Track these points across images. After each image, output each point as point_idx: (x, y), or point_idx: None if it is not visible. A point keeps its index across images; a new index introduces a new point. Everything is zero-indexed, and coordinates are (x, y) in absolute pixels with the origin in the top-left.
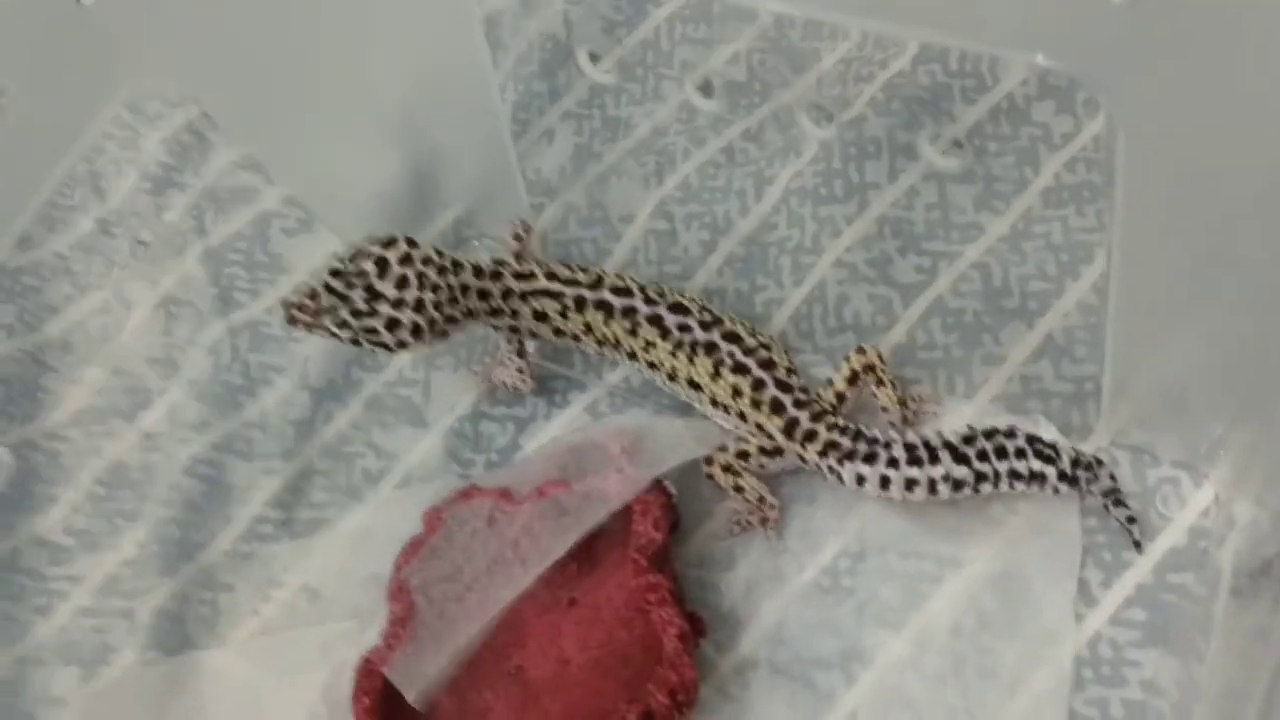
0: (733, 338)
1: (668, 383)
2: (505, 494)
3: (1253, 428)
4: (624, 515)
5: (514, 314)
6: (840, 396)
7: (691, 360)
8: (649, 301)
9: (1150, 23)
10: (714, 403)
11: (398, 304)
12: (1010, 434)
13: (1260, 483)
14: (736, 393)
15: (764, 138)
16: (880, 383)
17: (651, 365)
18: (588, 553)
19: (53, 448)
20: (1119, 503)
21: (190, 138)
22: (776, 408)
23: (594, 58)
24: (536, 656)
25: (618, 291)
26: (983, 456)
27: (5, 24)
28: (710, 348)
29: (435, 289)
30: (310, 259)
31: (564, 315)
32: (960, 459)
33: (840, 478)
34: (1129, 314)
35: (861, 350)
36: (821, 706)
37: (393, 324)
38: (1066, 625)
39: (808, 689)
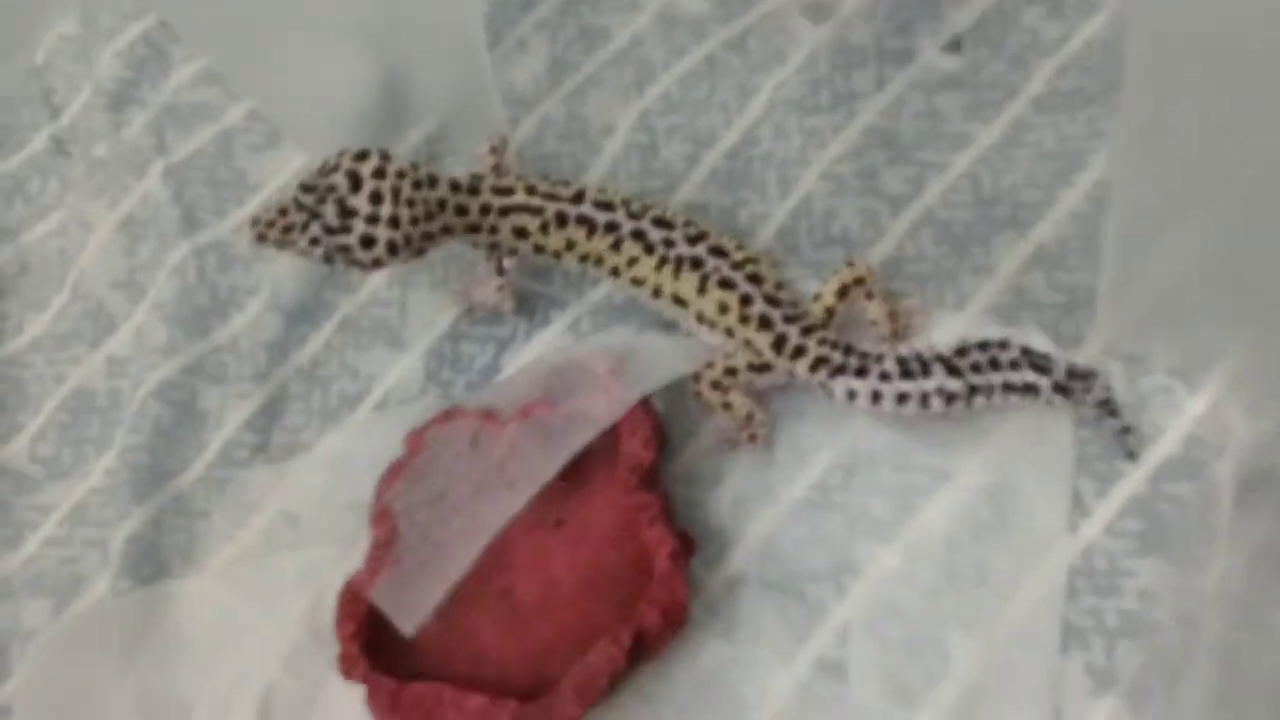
0: (719, 252)
1: (652, 299)
2: (489, 415)
3: (1247, 335)
4: (611, 434)
5: (493, 230)
6: (829, 311)
7: (677, 275)
8: (632, 216)
9: None
10: (700, 318)
11: (372, 219)
12: (1003, 345)
13: (1256, 391)
14: (723, 308)
15: (747, 46)
16: (870, 296)
17: (635, 281)
18: (575, 472)
19: (15, 374)
20: (1113, 413)
21: (147, 51)
22: (764, 323)
23: None
24: (524, 577)
25: (600, 206)
26: (976, 368)
27: None
28: (696, 262)
29: (411, 204)
30: (277, 176)
31: (544, 231)
32: (953, 371)
33: (831, 393)
34: (1126, 219)
35: (851, 263)
36: (813, 618)
37: (367, 240)
38: (1060, 535)
39: (798, 602)
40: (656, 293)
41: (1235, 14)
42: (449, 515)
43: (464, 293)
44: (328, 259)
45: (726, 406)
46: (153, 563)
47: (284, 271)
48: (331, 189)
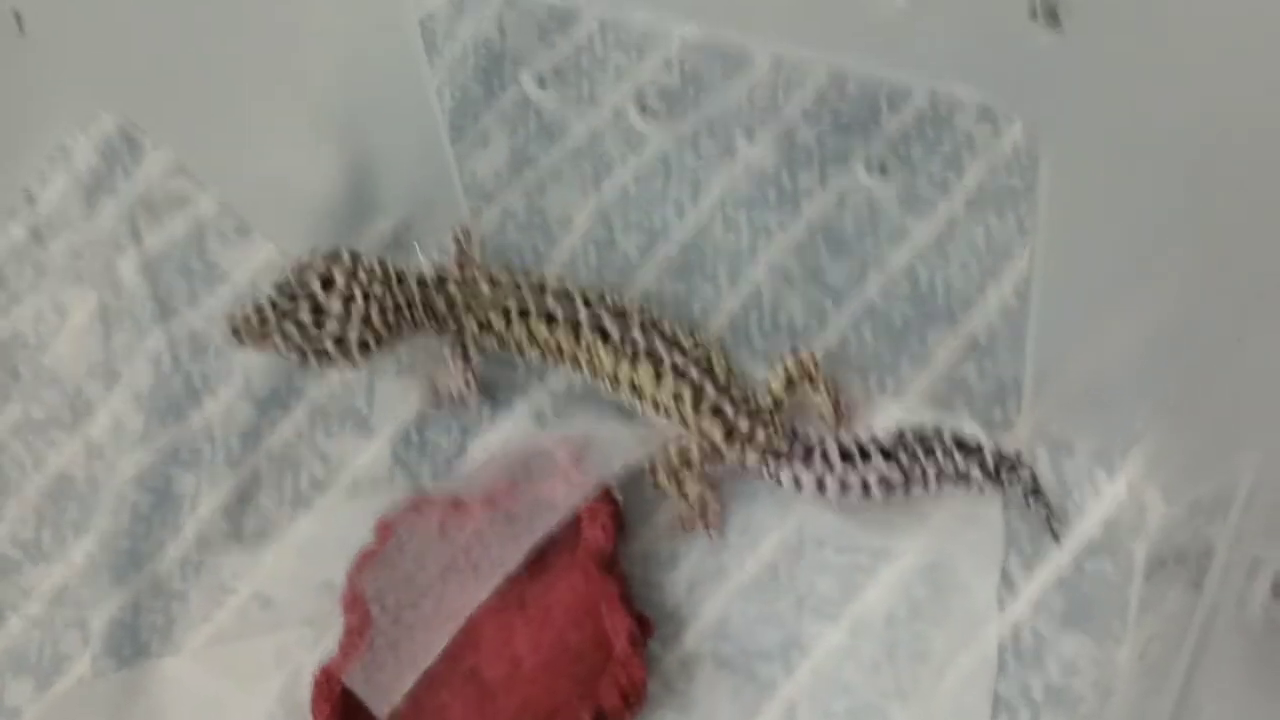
0: (673, 343)
1: (610, 388)
2: (455, 503)
3: (1164, 423)
4: (573, 520)
5: (457, 323)
6: (777, 401)
7: (634, 366)
8: (590, 308)
9: (1069, 50)
10: (656, 407)
11: (343, 320)
12: (937, 435)
13: (1170, 474)
14: (678, 397)
15: (699, 145)
16: (815, 385)
17: (594, 371)
18: (537, 556)
19: None
20: (1038, 496)
21: (120, 142)
22: (716, 412)
23: (541, 82)
24: (490, 657)
25: (559, 298)
26: (912, 457)
27: None
28: (651, 353)
29: (380, 303)
30: (248, 267)
31: (507, 325)
32: (891, 461)
33: (778, 480)
34: (1049, 314)
35: (796, 355)
36: (764, 696)
37: (339, 341)
38: (990, 612)
39: (750, 681)
40: (614, 382)
41: (1150, 110)
42: (419, 600)
43: (429, 381)
44: (302, 357)
45: (681, 493)
46: (132, 644)
47: (256, 359)
48: (305, 290)
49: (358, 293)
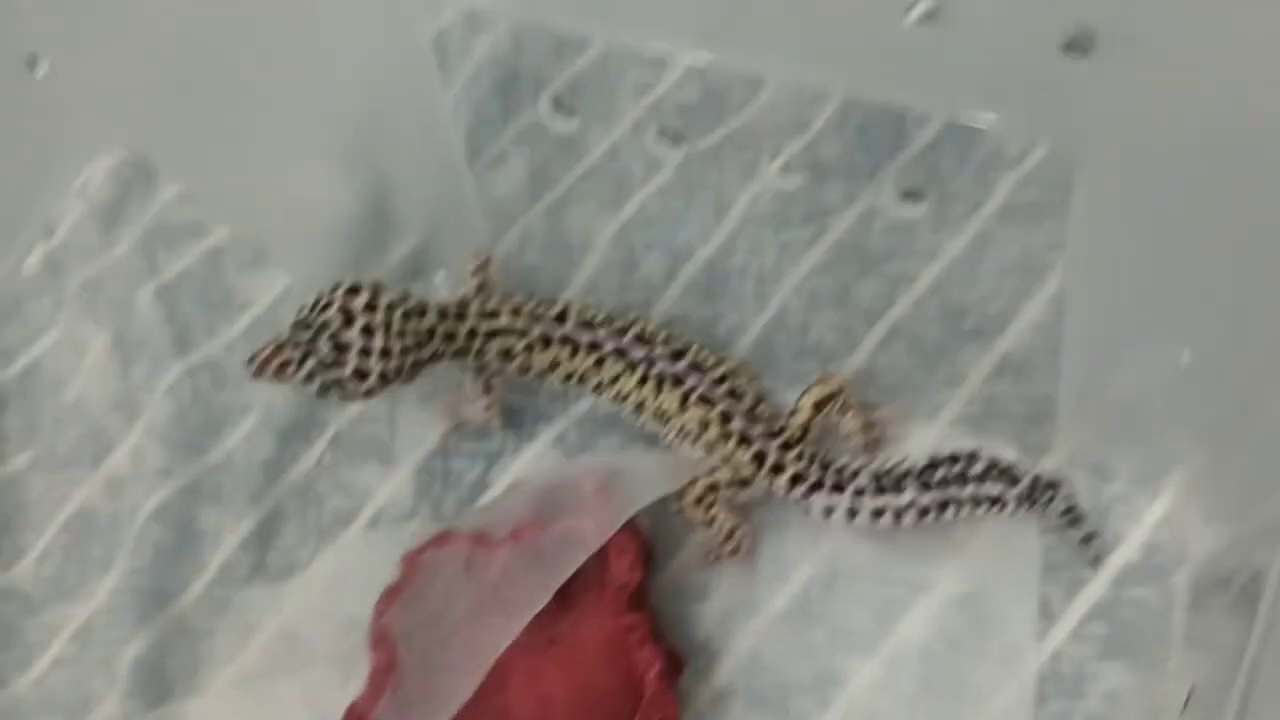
0: (698, 368)
1: (634, 415)
2: (481, 538)
3: (1206, 447)
4: (600, 555)
5: (480, 353)
6: (806, 426)
7: (658, 392)
8: (614, 335)
9: (1103, 71)
10: (681, 434)
11: (364, 353)
12: (972, 458)
13: (1213, 499)
14: (704, 425)
15: (721, 162)
16: (845, 409)
17: (618, 398)
18: (565, 593)
19: (16, 496)
20: (1076, 522)
21: (133, 172)
22: (744, 439)
23: (557, 102)
24: (520, 696)
25: (582, 325)
26: (944, 483)
27: None
28: (677, 380)
29: (401, 335)
30: (266, 295)
31: (529, 352)
32: (924, 486)
33: (808, 509)
34: (1084, 333)
35: (825, 379)
36: None
37: (360, 374)
38: (1029, 642)
39: (784, 716)
40: (639, 409)
41: (1184, 127)
42: (447, 638)
43: (452, 411)
44: (323, 391)
45: (710, 522)
46: (160, 684)
47: (276, 390)
48: (325, 325)
49: (378, 326)
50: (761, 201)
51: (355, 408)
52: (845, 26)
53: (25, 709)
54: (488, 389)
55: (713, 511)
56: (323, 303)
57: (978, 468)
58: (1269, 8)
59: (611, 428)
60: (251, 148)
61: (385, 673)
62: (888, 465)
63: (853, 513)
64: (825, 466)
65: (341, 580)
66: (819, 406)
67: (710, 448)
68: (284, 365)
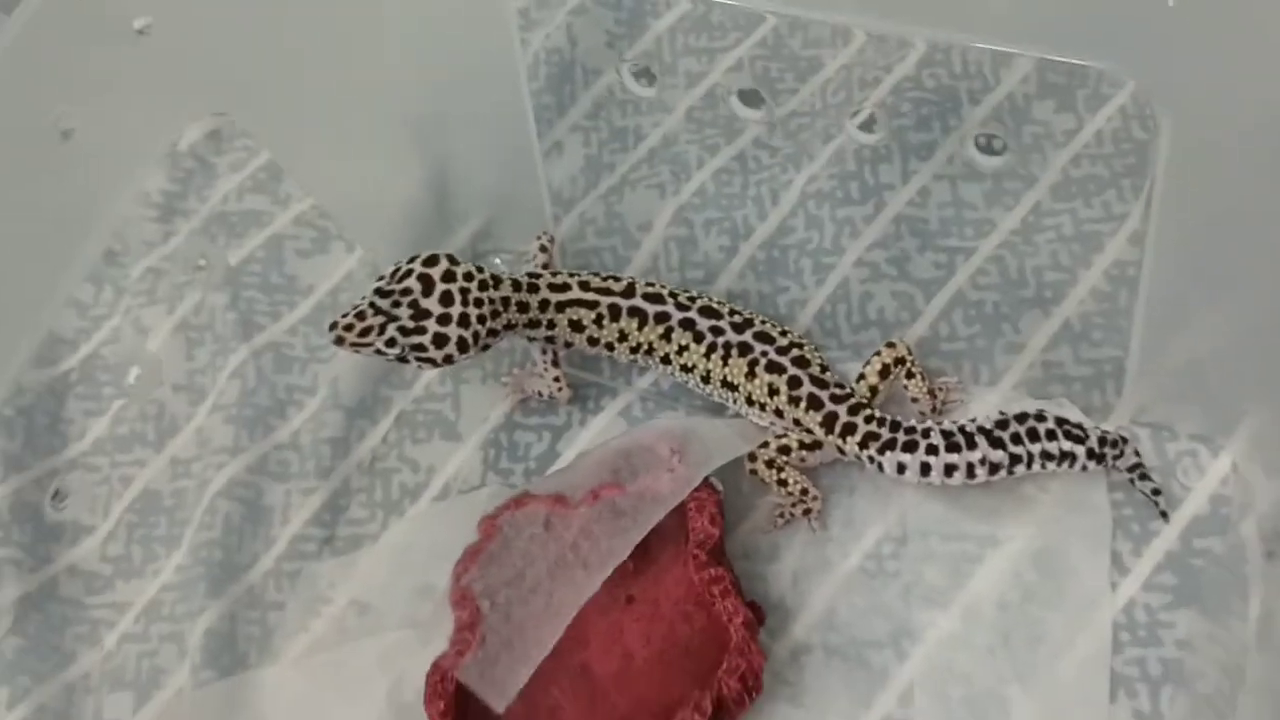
0: (765, 338)
1: (701, 385)
2: (559, 499)
3: (1265, 401)
4: (676, 513)
5: (550, 324)
6: (873, 390)
7: (726, 362)
8: (680, 307)
9: (1189, 16)
10: (750, 401)
11: (443, 320)
12: (1040, 417)
13: (1274, 452)
14: (773, 391)
15: (775, 143)
16: (910, 374)
17: (685, 369)
18: (643, 551)
19: (79, 479)
20: (1144, 476)
21: (194, 163)
22: (814, 403)
23: (636, 75)
24: (600, 654)
25: (649, 298)
26: (1016, 439)
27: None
28: (744, 348)
29: (478, 303)
30: (328, 280)
31: (599, 324)
32: (995, 443)
33: (881, 467)
34: (1158, 300)
35: (891, 344)
36: (877, 684)
37: (439, 340)
38: (1103, 593)
39: (862, 668)
40: (706, 379)
41: (1268, 82)
42: (528, 596)
43: (517, 384)
44: (402, 358)
45: (781, 484)
46: (230, 655)
47: (340, 370)
48: (406, 293)
49: (455, 293)
50: (817, 181)
51: (418, 387)
52: None
53: (94, 684)
54: (556, 362)
55: (784, 474)
56: (402, 271)
57: (1046, 425)
58: None
59: (675, 402)
60: (336, 124)
61: (469, 629)
62: (956, 423)
63: (925, 468)
64: (896, 426)
65: (411, 549)
66: (885, 372)
67: (779, 413)
68: (366, 331)
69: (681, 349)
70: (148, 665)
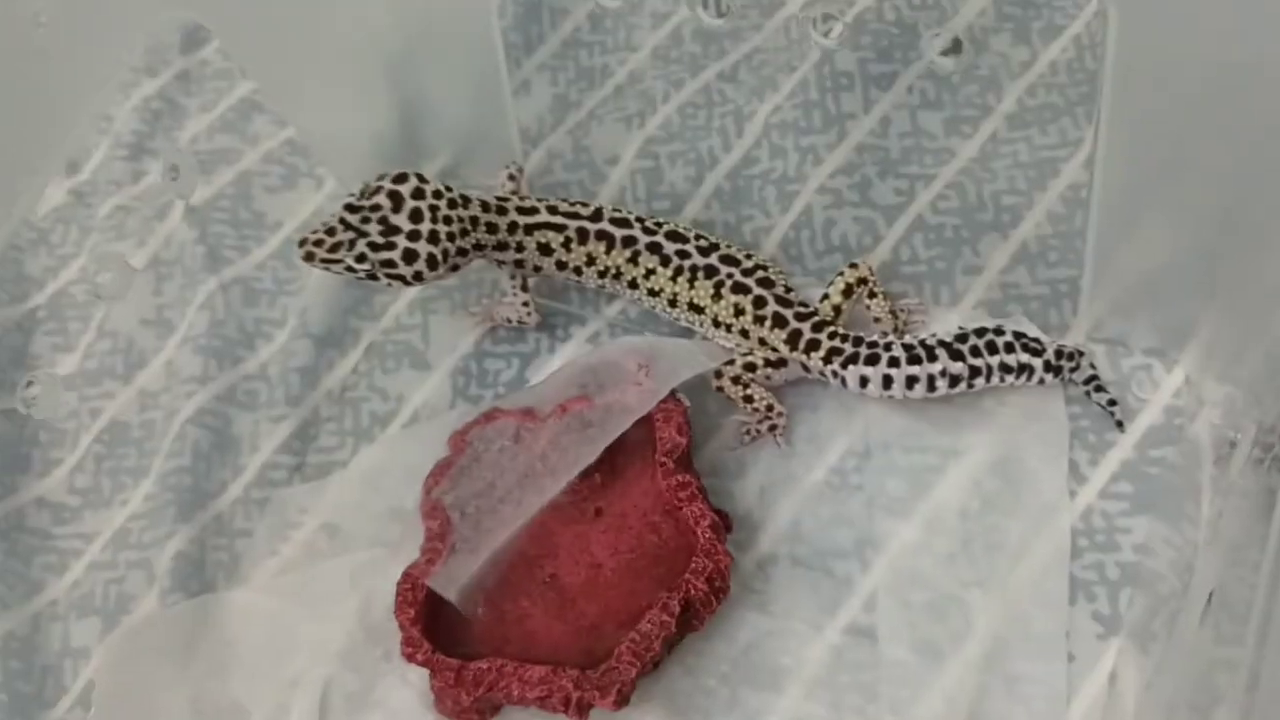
0: (730, 260)
1: (668, 309)
2: (528, 413)
3: (1216, 314)
4: (644, 426)
5: (519, 247)
6: (837, 309)
7: (692, 284)
8: (647, 231)
9: None
10: (716, 323)
11: (413, 236)
12: (998, 331)
13: (1225, 362)
14: (739, 311)
15: (739, 77)
16: (873, 294)
17: (652, 293)
18: (610, 464)
19: (46, 413)
20: (1100, 389)
21: (161, 104)
22: (779, 321)
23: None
24: (568, 565)
25: (617, 222)
26: (975, 352)
27: None
28: (710, 271)
29: (447, 221)
30: (294, 218)
31: (566, 247)
32: (955, 355)
33: (844, 381)
34: (1109, 219)
35: (854, 264)
36: (842, 591)
37: (409, 255)
38: (1061, 500)
39: (827, 577)
40: (673, 302)
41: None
42: (498, 505)
43: (486, 313)
44: (371, 275)
45: (747, 400)
46: (199, 579)
47: (309, 303)
48: (375, 209)
49: (425, 210)
50: (781, 112)
51: (387, 318)
52: None
53: (61, 611)
54: (524, 287)
55: (750, 390)
56: (371, 189)
57: (1005, 339)
58: None
59: (642, 329)
60: (315, 54)
61: (439, 538)
62: (918, 338)
63: (888, 381)
64: (859, 341)
65: (382, 472)
66: (848, 291)
67: (745, 333)
68: (335, 247)
69: (649, 272)
70: (115, 592)
